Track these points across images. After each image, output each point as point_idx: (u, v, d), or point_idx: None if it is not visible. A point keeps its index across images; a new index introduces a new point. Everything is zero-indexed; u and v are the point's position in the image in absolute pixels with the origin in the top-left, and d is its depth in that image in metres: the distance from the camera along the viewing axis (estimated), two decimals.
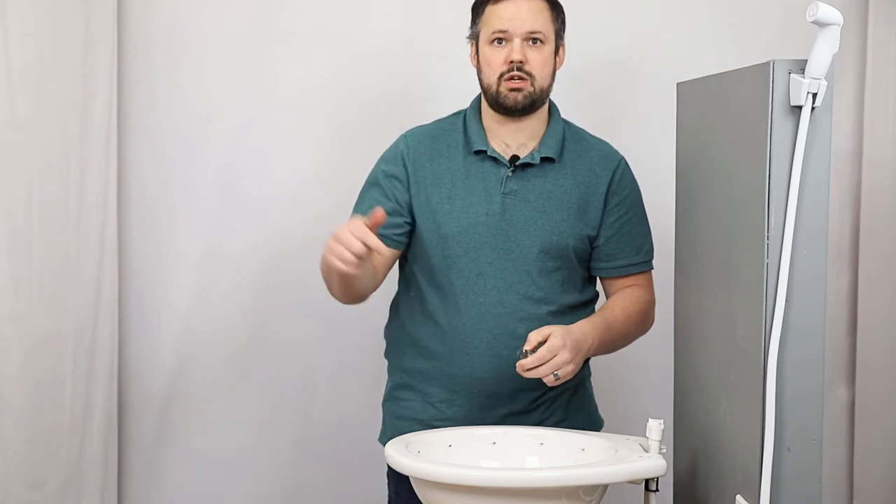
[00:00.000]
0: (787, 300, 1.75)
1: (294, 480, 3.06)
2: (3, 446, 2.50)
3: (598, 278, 2.39)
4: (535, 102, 2.24)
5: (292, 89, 2.97)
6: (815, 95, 1.71)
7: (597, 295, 2.40)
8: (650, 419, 1.92)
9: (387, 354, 2.44)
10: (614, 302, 2.31)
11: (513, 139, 2.29)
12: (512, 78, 2.21)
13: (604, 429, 2.40)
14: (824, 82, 1.71)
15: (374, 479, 2.55)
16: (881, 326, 2.89)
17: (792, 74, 1.72)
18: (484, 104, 2.30)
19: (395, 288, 2.43)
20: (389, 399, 2.42)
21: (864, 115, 2.90)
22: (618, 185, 2.31)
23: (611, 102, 3.00)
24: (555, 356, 2.04)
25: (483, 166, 2.28)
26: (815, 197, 1.75)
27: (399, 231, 2.29)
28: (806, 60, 1.72)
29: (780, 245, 1.74)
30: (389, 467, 2.12)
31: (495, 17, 2.22)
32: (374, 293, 2.32)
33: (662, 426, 1.91)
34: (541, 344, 2.04)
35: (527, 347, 2.04)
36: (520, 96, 2.22)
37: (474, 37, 2.29)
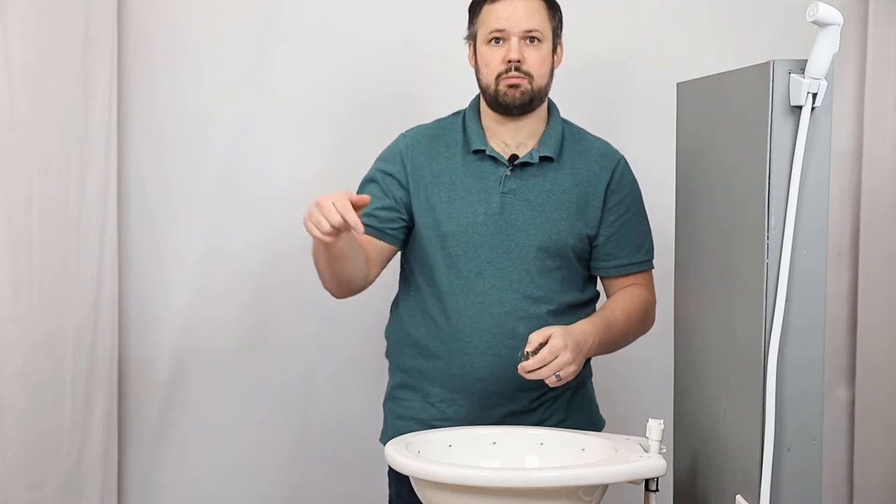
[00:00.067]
0: (787, 300, 1.75)
1: (294, 480, 3.06)
2: (3, 446, 2.50)
3: (598, 278, 2.39)
4: (534, 100, 2.24)
5: (292, 89, 2.97)
6: (815, 95, 1.71)
7: (597, 294, 2.40)
8: (650, 419, 1.92)
9: (387, 354, 2.44)
10: (614, 301, 2.31)
11: (512, 138, 2.29)
12: (510, 77, 2.21)
13: (604, 429, 2.40)
14: (824, 82, 1.71)
15: (375, 479, 2.55)
16: (881, 326, 2.89)
17: (792, 74, 1.72)
18: (483, 104, 2.30)
19: (396, 288, 2.43)
20: (390, 399, 2.42)
21: (864, 115, 2.90)
22: (617, 185, 2.31)
23: (611, 102, 3.00)
24: (556, 357, 2.04)
25: (482, 166, 2.28)
26: (815, 197, 1.75)
27: (394, 226, 2.29)
28: (806, 60, 1.72)
29: (780, 245, 1.74)
30: (390, 467, 2.12)
31: (492, 17, 2.22)
32: (369, 290, 2.32)
33: (662, 426, 1.91)
34: (542, 345, 2.04)
35: (528, 349, 2.04)
36: (517, 93, 2.22)
37: (472, 37, 2.29)
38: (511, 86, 2.22)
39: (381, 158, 2.36)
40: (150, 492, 3.03)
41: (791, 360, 1.76)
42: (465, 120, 2.33)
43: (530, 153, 2.27)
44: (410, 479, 1.95)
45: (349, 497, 3.04)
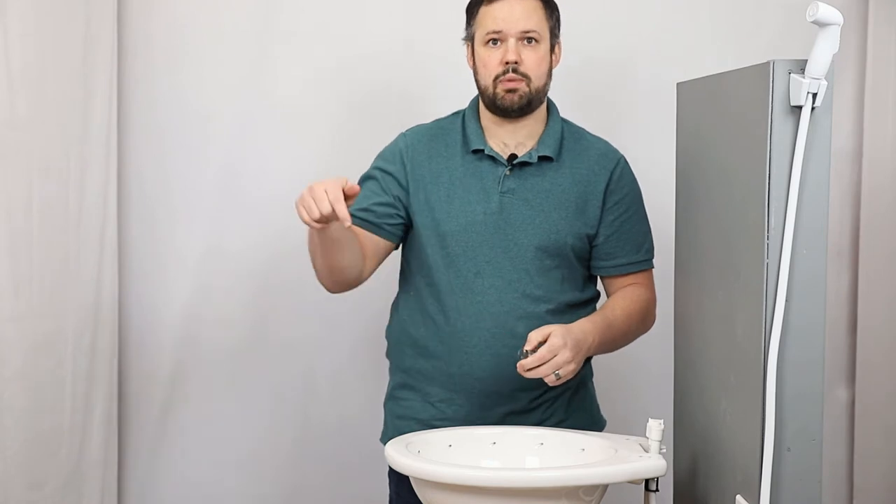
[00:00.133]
0: (787, 300, 1.75)
1: (294, 480, 3.06)
2: (3, 446, 2.50)
3: (598, 277, 2.39)
4: (532, 102, 2.24)
5: (292, 89, 2.97)
6: (815, 95, 1.71)
7: (598, 294, 2.40)
8: (650, 419, 1.92)
9: (388, 354, 2.44)
10: (614, 301, 2.31)
11: (511, 138, 2.29)
12: (508, 80, 2.21)
13: (604, 429, 2.40)
14: (824, 82, 1.71)
15: (375, 479, 2.55)
16: (881, 326, 2.89)
17: (792, 74, 1.72)
18: (482, 104, 2.30)
19: (396, 288, 2.43)
20: (390, 399, 2.42)
21: (864, 115, 2.90)
22: (616, 184, 2.31)
23: (611, 102, 3.00)
24: (555, 356, 2.04)
25: (481, 165, 2.28)
26: (815, 197, 1.75)
27: (392, 222, 2.29)
28: (806, 60, 1.72)
29: (780, 245, 1.74)
30: (390, 467, 2.12)
31: (489, 18, 2.22)
32: (369, 290, 2.33)
33: (662, 426, 1.91)
34: (541, 343, 2.04)
35: (527, 347, 2.04)
36: (515, 97, 2.22)
37: (470, 38, 2.29)
38: (509, 90, 2.21)
39: (380, 157, 2.36)
40: (150, 492, 3.03)
41: (791, 360, 1.76)
42: (465, 120, 2.33)
43: (529, 153, 2.27)
44: (410, 479, 1.95)
45: (349, 497, 3.04)
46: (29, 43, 2.52)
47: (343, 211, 1.92)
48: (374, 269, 2.31)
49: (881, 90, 2.88)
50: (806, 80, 1.70)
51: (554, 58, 2.28)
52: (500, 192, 2.26)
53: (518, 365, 2.04)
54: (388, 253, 2.34)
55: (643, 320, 2.34)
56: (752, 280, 1.80)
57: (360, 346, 3.00)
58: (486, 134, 2.30)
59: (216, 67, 2.95)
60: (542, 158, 2.27)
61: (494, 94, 2.23)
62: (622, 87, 3.01)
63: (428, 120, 2.41)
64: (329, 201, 1.92)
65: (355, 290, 2.33)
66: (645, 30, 2.99)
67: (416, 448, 1.98)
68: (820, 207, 1.76)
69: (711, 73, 2.04)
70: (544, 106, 2.31)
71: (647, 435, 1.92)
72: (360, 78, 2.97)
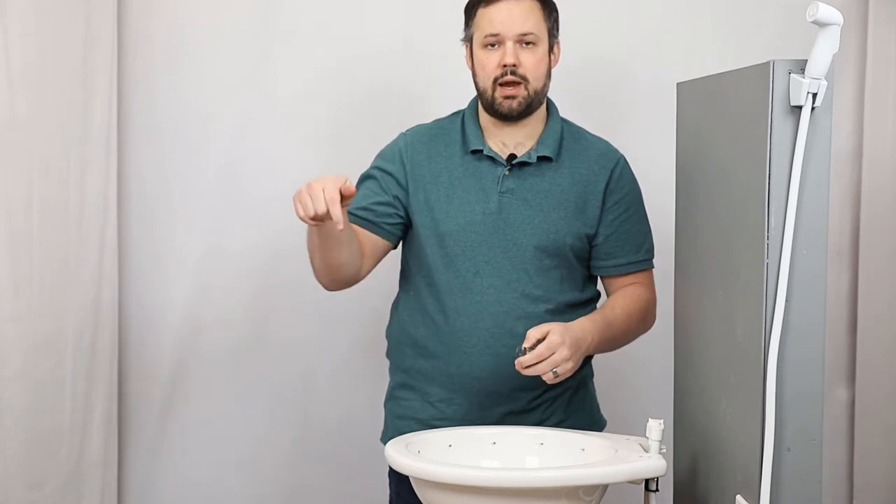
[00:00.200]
0: (787, 300, 1.75)
1: (294, 480, 3.06)
2: (3, 446, 2.50)
3: (598, 277, 2.39)
4: (531, 105, 2.24)
5: (292, 89, 2.97)
6: (815, 95, 1.71)
7: (598, 294, 2.40)
8: (650, 419, 1.92)
9: (388, 354, 2.44)
10: (614, 300, 2.31)
11: (510, 139, 2.29)
12: (506, 83, 2.20)
13: (605, 429, 2.40)
14: (824, 82, 1.71)
15: (375, 479, 2.55)
16: (881, 326, 2.89)
17: (792, 74, 1.72)
18: (481, 105, 2.30)
19: (396, 288, 2.43)
20: (390, 399, 2.42)
21: (864, 115, 2.90)
22: (616, 184, 2.31)
23: (611, 102, 3.00)
24: (553, 353, 2.03)
25: (480, 165, 2.28)
26: (815, 197, 1.75)
27: (390, 221, 2.29)
28: (806, 60, 1.72)
29: (780, 245, 1.74)
30: (390, 467, 2.12)
31: (486, 21, 2.22)
32: (369, 290, 2.33)
33: (662, 426, 1.91)
34: (540, 341, 2.04)
35: (525, 345, 2.04)
36: (514, 103, 2.22)
37: (468, 39, 2.29)
38: (507, 96, 2.21)
39: (380, 156, 2.37)
40: (150, 492, 3.03)
41: (791, 360, 1.76)
42: (464, 120, 2.33)
43: (528, 153, 2.27)
44: (410, 479, 1.95)
45: (349, 497, 3.04)
46: (29, 43, 2.52)
47: (337, 213, 1.92)
48: (372, 268, 2.31)
49: (881, 90, 2.88)
50: (806, 80, 1.70)
51: (553, 58, 2.28)
52: (500, 193, 2.26)
53: (516, 362, 2.04)
54: (387, 252, 2.34)
55: (643, 320, 2.34)
56: (752, 280, 1.80)
57: (360, 346, 3.00)
58: (486, 134, 2.30)
59: (216, 67, 2.95)
60: (542, 158, 2.27)
61: (493, 97, 2.23)
62: (622, 87, 3.01)
63: (428, 120, 2.41)
64: (325, 201, 1.92)
65: (355, 289, 2.33)
66: (645, 30, 2.99)
67: (416, 448, 1.98)
68: (820, 207, 1.76)
69: (711, 73, 2.04)
70: (544, 106, 2.31)
71: (647, 435, 1.92)
72: (360, 78, 2.97)
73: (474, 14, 2.25)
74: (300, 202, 1.97)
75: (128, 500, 3.02)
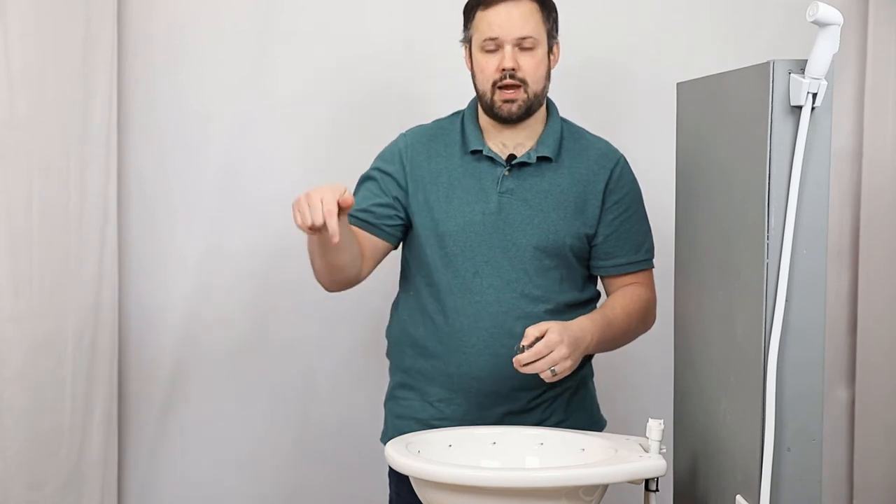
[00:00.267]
0: (787, 300, 1.75)
1: (294, 480, 3.06)
2: (3, 446, 2.50)
3: (598, 277, 2.39)
4: (531, 108, 2.24)
5: (292, 89, 2.97)
6: (815, 95, 1.71)
7: (598, 294, 2.40)
8: (650, 419, 1.92)
9: (388, 354, 2.44)
10: (614, 300, 2.31)
11: (510, 139, 2.29)
12: (505, 87, 2.20)
13: (605, 429, 2.40)
14: (824, 82, 1.71)
15: (375, 479, 2.55)
16: (881, 326, 2.89)
17: (792, 74, 1.72)
18: (480, 107, 2.30)
19: (396, 288, 2.43)
20: (390, 399, 2.42)
21: (864, 115, 2.90)
22: (616, 184, 2.31)
23: (610, 102, 3.00)
24: (552, 351, 2.03)
25: (479, 166, 2.28)
26: (815, 197, 1.75)
27: (391, 223, 2.29)
28: (806, 60, 1.72)
29: (780, 245, 1.74)
30: (390, 467, 2.12)
31: (485, 24, 2.21)
32: (369, 291, 2.33)
33: (662, 426, 1.91)
34: (538, 339, 2.04)
35: (524, 343, 2.04)
36: (514, 107, 2.22)
37: (467, 41, 2.28)
38: (507, 100, 2.21)
39: (380, 157, 2.37)
40: (150, 492, 3.03)
41: (791, 360, 1.76)
42: (464, 120, 2.33)
43: (528, 153, 2.27)
44: (410, 479, 1.95)
45: (349, 497, 3.04)
46: (29, 43, 2.52)
47: (333, 226, 1.93)
48: (373, 269, 2.31)
49: (881, 90, 2.88)
50: (806, 80, 1.70)
51: (552, 58, 2.27)
52: (499, 193, 2.26)
53: (514, 360, 2.04)
54: (387, 253, 2.34)
55: (643, 319, 2.34)
56: (752, 280, 1.80)
57: (360, 346, 3.00)
58: (485, 135, 2.30)
59: (216, 67, 2.95)
60: (541, 159, 2.27)
61: (492, 101, 2.23)
62: (622, 87, 3.01)
63: (428, 120, 2.41)
64: (322, 213, 1.92)
65: (355, 289, 2.33)
66: (645, 30, 2.99)
67: (416, 448, 1.98)
68: (820, 207, 1.76)
69: (711, 73, 2.04)
70: (544, 106, 2.30)
71: (647, 435, 1.92)
72: (360, 78, 2.97)
73: (473, 16, 2.25)
74: (298, 211, 1.97)
75: (128, 500, 3.02)
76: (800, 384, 1.77)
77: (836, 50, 1.71)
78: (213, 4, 2.95)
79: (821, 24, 1.70)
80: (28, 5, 2.51)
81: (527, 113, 2.24)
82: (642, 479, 1.92)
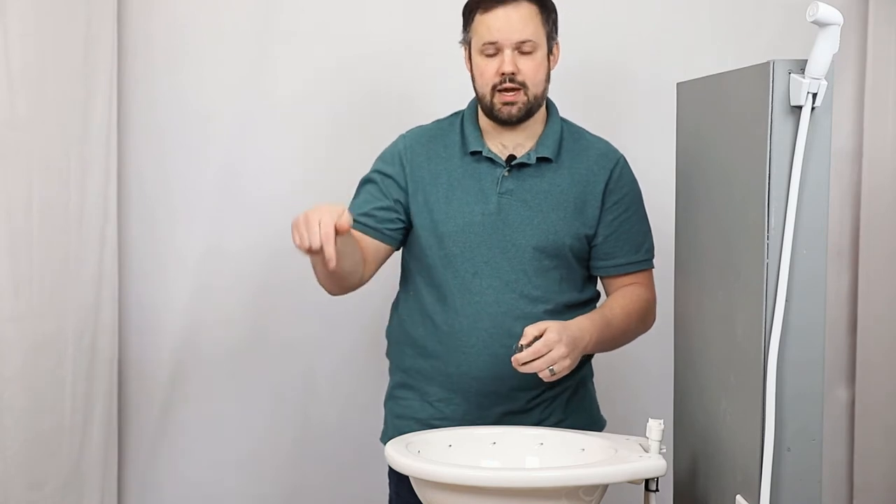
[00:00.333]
0: (787, 300, 1.75)
1: (294, 480, 3.06)
2: (3, 446, 2.50)
3: (598, 278, 2.39)
4: (531, 110, 2.24)
5: (292, 89, 2.97)
6: (815, 95, 1.71)
7: (597, 294, 2.40)
8: (650, 419, 1.92)
9: (388, 354, 2.45)
10: (614, 300, 2.31)
11: (510, 140, 2.29)
12: (505, 90, 2.20)
13: (605, 429, 2.40)
14: (824, 82, 1.71)
15: (375, 479, 2.55)
16: (881, 326, 2.89)
17: (792, 74, 1.72)
18: (480, 109, 2.30)
19: (396, 288, 2.43)
20: (390, 398, 2.42)
21: (864, 115, 2.90)
22: (616, 184, 2.31)
23: (610, 102, 3.00)
24: (550, 351, 2.03)
25: (479, 167, 2.28)
26: (815, 197, 1.75)
27: (392, 227, 2.29)
28: (806, 60, 1.72)
29: (780, 245, 1.74)
30: (390, 467, 2.12)
31: (484, 28, 2.20)
32: (369, 291, 2.33)
33: (662, 426, 1.91)
34: (537, 338, 2.04)
35: (523, 342, 2.04)
36: (514, 109, 2.22)
37: (466, 43, 2.28)
38: (506, 102, 2.21)
39: (380, 159, 2.37)
40: (150, 492, 3.03)
41: (791, 360, 1.76)
42: (463, 121, 2.33)
43: (527, 154, 2.27)
44: (410, 479, 1.95)
45: (349, 497, 3.04)
46: (29, 43, 2.52)
47: (330, 252, 1.93)
48: (375, 272, 2.32)
49: (881, 90, 2.88)
50: (806, 80, 1.70)
51: (552, 59, 2.27)
52: (499, 194, 2.26)
53: (512, 359, 2.04)
54: (388, 256, 2.34)
55: (643, 319, 2.34)
56: (752, 280, 1.80)
57: (360, 346, 3.00)
58: (485, 136, 2.30)
59: (216, 67, 2.95)
60: (541, 159, 2.27)
61: (492, 103, 2.22)
62: (622, 87, 3.01)
63: (428, 120, 2.41)
64: (320, 237, 1.93)
65: (355, 290, 2.33)
66: (645, 30, 2.99)
67: (416, 448, 1.98)
68: (820, 207, 1.76)
69: (711, 73, 2.04)
70: (543, 107, 2.30)
71: (647, 435, 1.92)
72: (360, 78, 2.97)
73: (472, 19, 2.24)
74: (297, 232, 1.98)
75: (128, 500, 3.02)
76: (800, 384, 1.77)
77: (836, 50, 1.71)
78: (213, 4, 2.95)
79: (821, 24, 1.70)
80: (28, 5, 2.51)
81: (527, 115, 2.24)
82: (642, 479, 1.92)
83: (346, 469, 3.03)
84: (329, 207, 1.97)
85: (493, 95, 2.22)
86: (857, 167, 2.93)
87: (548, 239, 2.25)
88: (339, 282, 2.23)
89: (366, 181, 2.35)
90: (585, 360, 2.36)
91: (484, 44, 2.20)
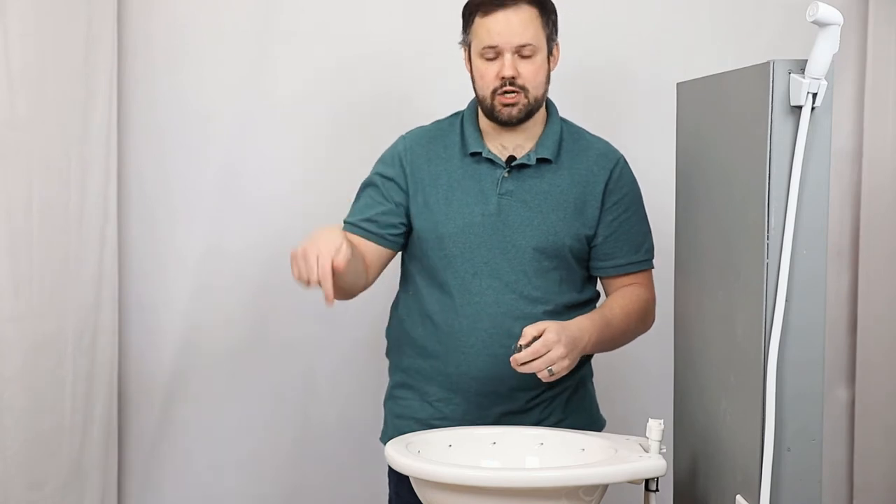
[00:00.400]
0: (787, 300, 1.75)
1: (294, 480, 3.06)
2: (3, 446, 2.50)
3: (598, 278, 2.38)
4: (531, 112, 2.24)
5: (292, 89, 2.97)
6: (815, 95, 1.71)
7: (597, 294, 2.39)
8: (650, 419, 1.92)
9: (388, 354, 2.45)
10: (613, 300, 2.31)
11: (510, 141, 2.29)
12: (505, 93, 2.20)
13: (604, 429, 2.40)
14: (824, 82, 1.71)
15: (375, 479, 2.55)
16: (881, 326, 2.89)
17: (792, 74, 1.72)
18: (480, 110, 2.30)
19: (397, 288, 2.43)
20: (390, 398, 2.42)
21: (864, 115, 2.90)
22: (615, 184, 2.31)
23: (610, 102, 3.00)
24: (549, 351, 2.03)
25: (479, 168, 2.28)
26: (815, 197, 1.75)
27: (394, 231, 2.30)
28: (806, 60, 1.72)
29: (780, 245, 1.74)
30: (390, 467, 2.12)
31: (484, 32, 2.20)
32: (369, 290, 2.33)
33: (662, 426, 1.91)
34: (536, 339, 2.04)
35: (521, 342, 2.04)
36: (514, 111, 2.22)
37: (466, 44, 2.28)
38: (507, 104, 2.21)
39: (380, 162, 2.36)
40: (150, 492, 3.03)
41: (791, 360, 1.76)
42: (463, 122, 2.33)
43: (527, 155, 2.27)
44: (410, 479, 1.95)
45: (349, 497, 3.04)
46: (29, 43, 2.52)
47: (328, 290, 1.95)
48: (378, 276, 2.32)
49: (881, 90, 2.88)
50: (806, 80, 1.70)
51: (552, 60, 2.27)
52: (499, 195, 2.26)
53: (511, 359, 2.04)
54: (391, 259, 2.35)
55: (642, 320, 2.34)
56: (752, 280, 1.80)
57: (360, 346, 3.00)
58: (485, 137, 2.30)
59: (216, 67, 2.95)
60: (541, 160, 2.27)
61: (492, 105, 2.22)
62: (622, 87, 3.01)
63: (428, 121, 2.41)
64: (318, 275, 1.94)
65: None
66: (645, 30, 2.99)
67: (416, 448, 1.98)
68: (820, 207, 1.76)
69: (711, 73, 2.04)
70: (543, 107, 2.30)
71: (647, 435, 1.92)
72: (360, 78, 2.97)
73: (472, 21, 2.23)
74: (295, 266, 1.98)
75: (128, 500, 3.02)
76: (800, 384, 1.77)
77: (836, 50, 1.71)
78: (213, 4, 2.95)
79: (821, 24, 1.71)
80: (28, 5, 2.51)
81: (527, 116, 2.24)
82: (642, 479, 1.92)
83: (346, 469, 3.03)
84: (327, 241, 1.97)
85: (493, 98, 2.22)
86: (857, 167, 2.93)
87: (547, 240, 2.25)
88: (343, 293, 2.24)
89: (367, 185, 2.35)
90: (585, 360, 2.36)
91: (484, 47, 2.20)
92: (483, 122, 2.30)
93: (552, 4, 2.26)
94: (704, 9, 2.99)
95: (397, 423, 2.35)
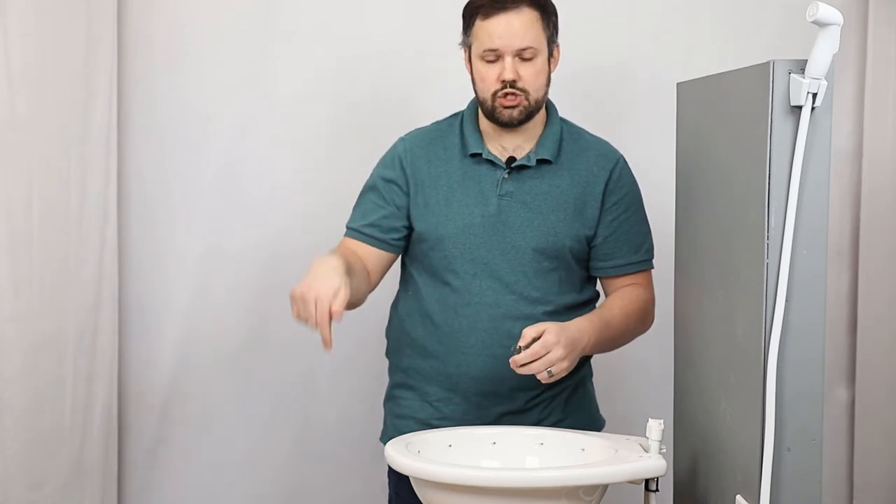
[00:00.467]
0: (787, 300, 1.75)
1: (294, 480, 3.06)
2: (3, 446, 2.50)
3: (597, 279, 2.38)
4: (531, 113, 2.24)
5: (292, 89, 2.97)
6: (815, 95, 1.71)
7: (597, 295, 2.39)
8: (650, 419, 1.92)
9: (387, 354, 2.45)
10: (613, 300, 2.31)
11: (509, 142, 2.28)
12: (506, 95, 2.19)
13: (604, 429, 2.40)
14: (824, 82, 1.71)
15: (374, 479, 2.55)
16: (881, 326, 2.89)
17: (792, 74, 1.72)
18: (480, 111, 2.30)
19: (397, 288, 2.43)
20: (389, 398, 2.42)
21: (864, 115, 2.90)
22: (615, 185, 2.31)
23: (611, 102, 3.00)
24: (548, 352, 2.03)
25: (479, 169, 2.28)
26: (815, 197, 1.75)
27: (396, 236, 2.30)
28: (806, 60, 1.72)
29: (780, 245, 1.74)
30: (390, 467, 2.12)
31: (485, 34, 2.19)
32: (373, 293, 2.33)
33: (662, 426, 1.91)
34: (535, 340, 2.04)
35: (521, 343, 2.04)
36: (515, 112, 2.21)
37: (467, 46, 2.27)
38: (507, 106, 2.20)
39: (380, 164, 2.36)
40: (150, 492, 3.03)
41: (791, 360, 1.76)
42: (463, 123, 2.32)
43: (527, 156, 2.27)
44: (410, 479, 1.95)
45: (349, 497, 3.04)
46: (29, 43, 2.52)
47: (325, 335, 1.96)
48: (380, 280, 2.32)
49: (881, 90, 2.88)
50: (806, 80, 1.70)
51: (553, 62, 2.26)
52: (499, 196, 2.26)
53: (510, 360, 2.04)
54: (393, 262, 2.35)
55: (642, 320, 2.33)
56: (752, 280, 1.80)
57: (360, 346, 2.99)
58: (485, 138, 2.30)
59: (216, 67, 2.95)
60: (541, 161, 2.27)
61: (493, 107, 2.22)
62: (622, 87, 3.01)
63: (428, 120, 2.41)
64: (316, 320, 1.95)
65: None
66: (645, 30, 2.99)
67: (416, 448, 1.98)
68: (820, 207, 1.76)
69: (711, 73, 2.04)
70: (543, 108, 2.30)
71: (647, 435, 1.92)
72: (360, 78, 2.97)
73: (472, 24, 2.23)
74: (295, 306, 1.99)
75: (128, 500, 3.02)
76: (800, 384, 1.77)
77: (836, 50, 1.71)
78: (213, 4, 2.95)
79: (821, 24, 1.70)
80: (28, 5, 2.51)
81: (527, 117, 2.24)
82: (642, 479, 1.92)
83: (346, 469, 3.03)
84: (325, 284, 1.97)
85: (493, 100, 2.21)
86: (857, 167, 2.93)
87: (548, 241, 2.25)
88: (350, 305, 2.24)
89: (368, 188, 2.35)
90: (585, 360, 2.36)
91: (484, 50, 2.20)
92: (483, 122, 2.30)
93: (553, 6, 2.26)
94: (704, 9, 2.99)
95: (397, 423, 2.35)
